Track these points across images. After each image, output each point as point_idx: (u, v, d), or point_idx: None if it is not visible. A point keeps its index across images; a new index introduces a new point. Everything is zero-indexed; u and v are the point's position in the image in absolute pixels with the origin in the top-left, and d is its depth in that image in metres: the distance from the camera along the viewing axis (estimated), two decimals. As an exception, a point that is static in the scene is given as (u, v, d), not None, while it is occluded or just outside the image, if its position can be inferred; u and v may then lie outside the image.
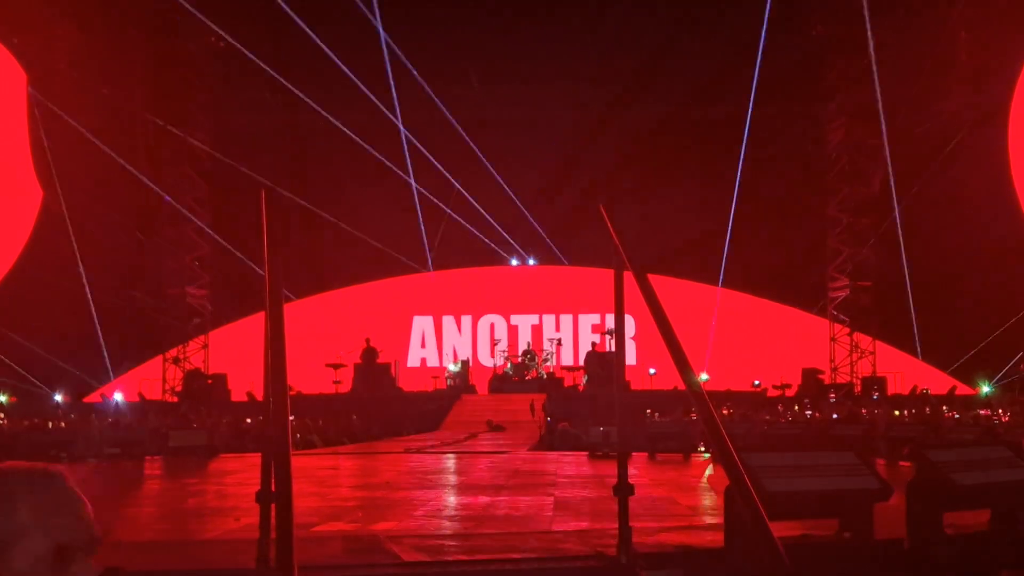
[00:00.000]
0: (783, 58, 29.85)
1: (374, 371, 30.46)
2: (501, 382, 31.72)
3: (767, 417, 23.10)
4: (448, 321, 35.83)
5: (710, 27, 30.09)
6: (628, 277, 5.21)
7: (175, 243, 30.73)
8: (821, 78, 30.47)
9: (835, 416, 22.56)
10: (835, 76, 30.20)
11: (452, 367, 32.23)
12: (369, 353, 30.68)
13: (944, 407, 24.78)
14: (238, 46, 28.17)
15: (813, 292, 31.96)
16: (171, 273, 30.81)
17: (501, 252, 34.24)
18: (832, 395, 28.92)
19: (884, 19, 28.82)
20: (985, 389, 28.23)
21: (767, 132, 29.95)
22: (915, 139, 29.07)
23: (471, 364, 33.22)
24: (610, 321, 34.47)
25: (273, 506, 3.96)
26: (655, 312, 4.45)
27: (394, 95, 29.35)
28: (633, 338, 28.06)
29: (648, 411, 22.38)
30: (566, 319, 35.79)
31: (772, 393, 28.78)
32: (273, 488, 4.15)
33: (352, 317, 33.40)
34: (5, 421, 23.60)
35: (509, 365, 32.52)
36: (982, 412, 23.15)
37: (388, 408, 28.16)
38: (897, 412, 24.04)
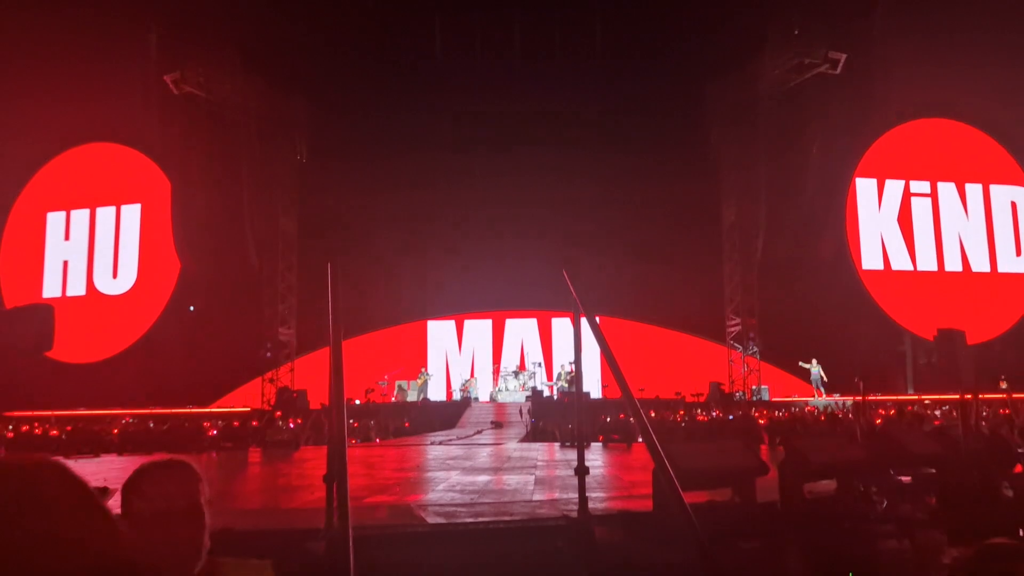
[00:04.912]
0: (689, 153, 30.12)
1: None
2: (498, 393, 31.55)
3: (687, 421, 23.04)
4: (462, 350, 35.58)
5: (635, 132, 30.24)
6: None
7: (271, 296, 30.72)
8: (719, 168, 30.69)
9: (731, 417, 22.47)
10: (727, 177, 30.49)
11: (470, 382, 32.05)
12: (424, 376, 31.07)
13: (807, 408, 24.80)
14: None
15: (715, 327, 31.95)
16: (269, 318, 30.76)
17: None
18: (737, 396, 28.92)
19: (765, 129, 29.25)
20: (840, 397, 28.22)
21: (680, 209, 30.25)
22: (785, 216, 29.30)
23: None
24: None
25: (335, 484, 3.96)
26: (603, 346, 4.47)
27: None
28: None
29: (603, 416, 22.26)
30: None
31: (689, 399, 28.67)
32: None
33: (391, 351, 33.35)
34: (152, 424, 23.53)
35: (504, 381, 32.28)
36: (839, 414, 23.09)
37: (421, 412, 28.10)
38: (779, 412, 24.03)
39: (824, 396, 28.28)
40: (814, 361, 28.89)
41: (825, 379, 28.58)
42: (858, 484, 5.78)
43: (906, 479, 6.16)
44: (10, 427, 21.16)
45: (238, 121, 29.65)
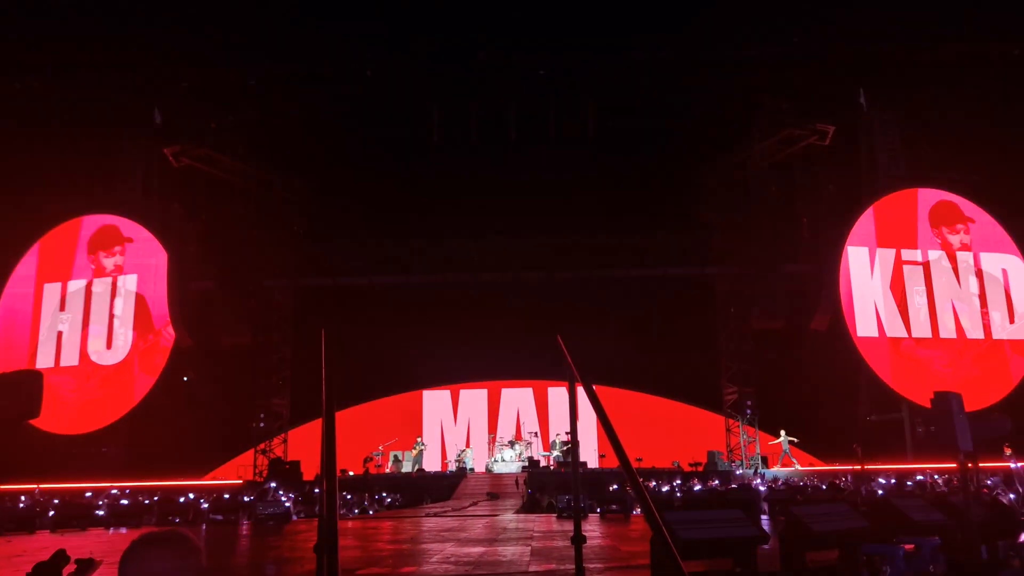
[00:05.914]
0: (684, 234, 30.69)
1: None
2: (493, 464, 31.04)
3: (683, 489, 22.66)
4: (457, 420, 35.10)
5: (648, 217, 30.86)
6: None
7: (265, 368, 30.53)
8: (712, 248, 31.02)
9: (734, 486, 22.13)
10: (720, 249, 30.80)
11: (465, 453, 31.51)
12: (419, 447, 30.65)
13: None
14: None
15: (713, 396, 31.70)
16: (262, 389, 30.51)
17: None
18: (735, 465, 28.61)
19: (756, 200, 29.64)
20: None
21: (674, 278, 30.56)
22: (779, 285, 29.46)
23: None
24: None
25: (325, 556, 3.86)
26: (599, 413, 4.42)
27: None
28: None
29: (613, 486, 21.82)
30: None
31: (687, 469, 28.26)
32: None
33: (384, 421, 32.92)
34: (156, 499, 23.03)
35: (500, 451, 31.75)
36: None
37: (416, 485, 27.63)
38: (779, 481, 23.65)
39: (795, 465, 28.20)
40: (782, 432, 28.84)
41: (787, 447, 28.76)
42: (861, 553, 5.64)
43: (910, 547, 6.02)
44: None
45: (235, 193, 30.01)
